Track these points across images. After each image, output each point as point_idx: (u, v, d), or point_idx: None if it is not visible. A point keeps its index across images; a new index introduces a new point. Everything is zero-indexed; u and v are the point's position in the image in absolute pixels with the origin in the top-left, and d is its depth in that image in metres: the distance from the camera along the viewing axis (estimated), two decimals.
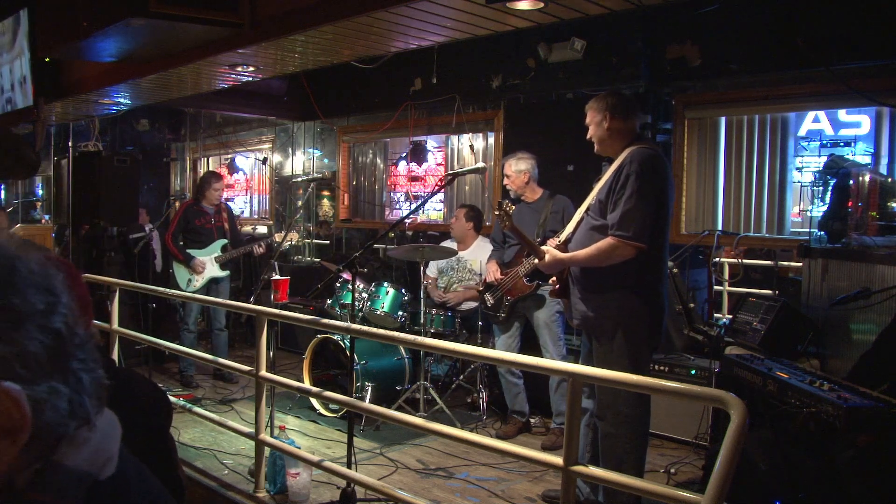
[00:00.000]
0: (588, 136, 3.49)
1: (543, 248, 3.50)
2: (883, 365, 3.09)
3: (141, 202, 7.39)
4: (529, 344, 4.93)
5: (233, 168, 9.94)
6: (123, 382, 1.72)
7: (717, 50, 5.03)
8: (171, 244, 6.07)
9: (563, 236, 3.56)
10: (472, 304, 5.52)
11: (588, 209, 3.43)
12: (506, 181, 4.89)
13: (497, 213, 3.79)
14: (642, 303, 3.28)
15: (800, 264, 4.45)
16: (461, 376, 5.46)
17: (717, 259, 5.07)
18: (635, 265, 3.21)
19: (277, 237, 6.01)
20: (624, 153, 3.32)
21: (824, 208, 4.27)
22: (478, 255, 5.69)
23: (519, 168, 4.80)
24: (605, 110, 3.38)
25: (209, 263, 6.12)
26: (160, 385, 5.53)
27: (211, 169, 9.81)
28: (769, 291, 4.68)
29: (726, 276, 5.19)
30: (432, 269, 5.93)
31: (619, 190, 3.22)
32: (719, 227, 5.29)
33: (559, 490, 2.95)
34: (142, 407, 1.70)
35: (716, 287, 5.17)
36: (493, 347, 5.07)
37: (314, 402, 5.25)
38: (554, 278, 3.61)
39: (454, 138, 7.17)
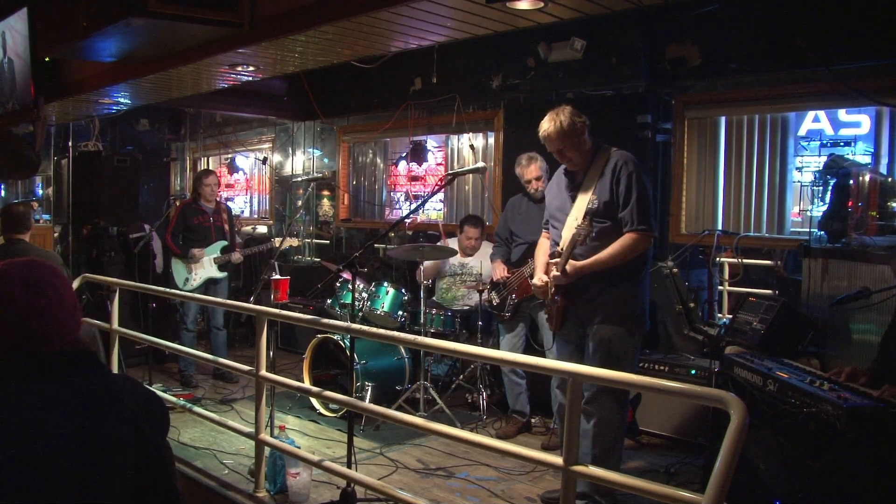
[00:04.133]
0: (566, 163, 3.61)
1: (557, 260, 3.50)
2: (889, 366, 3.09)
3: (141, 205, 7.39)
4: (532, 344, 4.94)
5: (233, 168, 9.93)
6: (114, 389, 1.68)
7: (717, 50, 5.02)
8: (171, 241, 6.08)
9: (562, 245, 3.54)
10: (473, 304, 5.51)
11: (586, 215, 3.45)
12: (535, 185, 4.74)
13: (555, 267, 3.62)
14: (642, 290, 3.55)
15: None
16: (461, 376, 5.46)
17: (718, 259, 5.07)
18: (641, 256, 3.47)
19: (276, 241, 6.01)
20: (608, 156, 3.51)
21: (824, 208, 4.27)
22: (482, 259, 5.67)
23: (542, 166, 4.72)
24: (582, 128, 3.50)
25: (207, 263, 6.12)
26: (160, 388, 5.55)
27: (210, 169, 9.81)
28: (769, 291, 4.68)
29: (726, 276, 5.19)
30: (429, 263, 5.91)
31: (625, 190, 3.42)
32: (719, 227, 5.28)
33: (557, 491, 2.94)
34: (134, 415, 1.65)
35: (719, 287, 5.18)
36: (496, 347, 5.07)
37: (314, 401, 5.25)
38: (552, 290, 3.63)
39: (454, 138, 7.17)
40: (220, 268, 6.17)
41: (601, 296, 3.48)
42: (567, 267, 3.45)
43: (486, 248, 5.74)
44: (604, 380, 2.63)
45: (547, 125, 3.50)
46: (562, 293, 3.56)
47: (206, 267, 6.12)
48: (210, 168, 9.94)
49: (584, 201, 3.50)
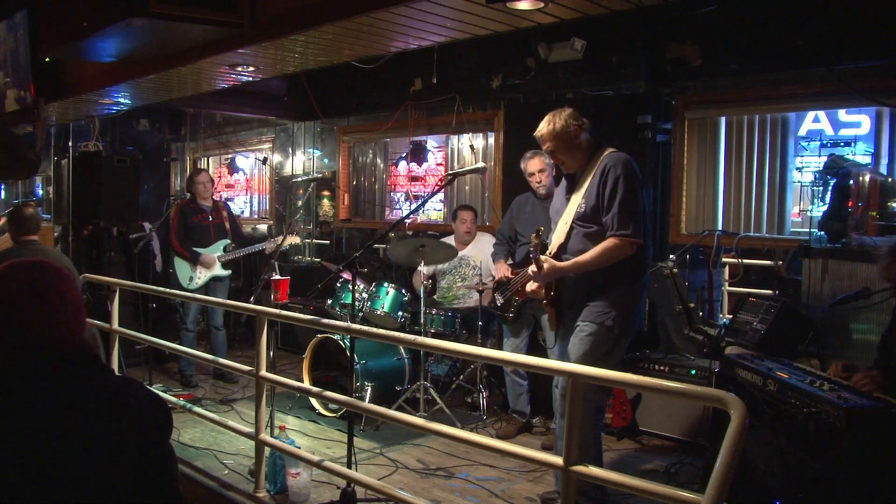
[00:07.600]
0: (561, 164, 3.59)
1: (542, 257, 3.51)
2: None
3: (141, 205, 7.38)
4: (534, 344, 4.93)
5: (233, 168, 9.93)
6: (118, 391, 1.67)
7: (717, 50, 5.02)
8: (178, 245, 6.09)
9: (552, 248, 3.57)
10: (473, 304, 5.51)
11: (575, 219, 3.50)
12: (538, 177, 4.73)
13: (535, 242, 3.60)
14: (638, 293, 3.52)
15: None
16: (461, 376, 5.46)
17: (725, 261, 5.07)
18: (633, 260, 3.40)
19: (278, 239, 6.01)
20: (600, 158, 3.47)
21: (824, 208, 4.27)
22: (478, 250, 5.68)
23: (547, 160, 4.68)
24: (576, 133, 3.47)
25: (212, 261, 6.12)
26: (160, 388, 5.55)
27: (203, 167, 9.81)
28: (769, 291, 4.68)
29: (726, 276, 5.19)
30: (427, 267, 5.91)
31: (609, 194, 3.37)
32: (719, 227, 5.28)
33: (554, 491, 2.93)
34: (137, 417, 1.65)
35: (723, 288, 5.18)
36: (496, 347, 5.06)
37: (314, 402, 5.25)
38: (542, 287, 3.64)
39: (454, 138, 7.16)
40: (224, 265, 6.18)
41: (585, 300, 3.48)
42: (545, 265, 3.46)
43: (481, 238, 5.74)
44: (604, 380, 2.62)
45: (542, 126, 3.55)
46: (550, 296, 3.59)
47: (211, 266, 6.12)
48: (209, 168, 9.95)
49: (574, 204, 3.53)
